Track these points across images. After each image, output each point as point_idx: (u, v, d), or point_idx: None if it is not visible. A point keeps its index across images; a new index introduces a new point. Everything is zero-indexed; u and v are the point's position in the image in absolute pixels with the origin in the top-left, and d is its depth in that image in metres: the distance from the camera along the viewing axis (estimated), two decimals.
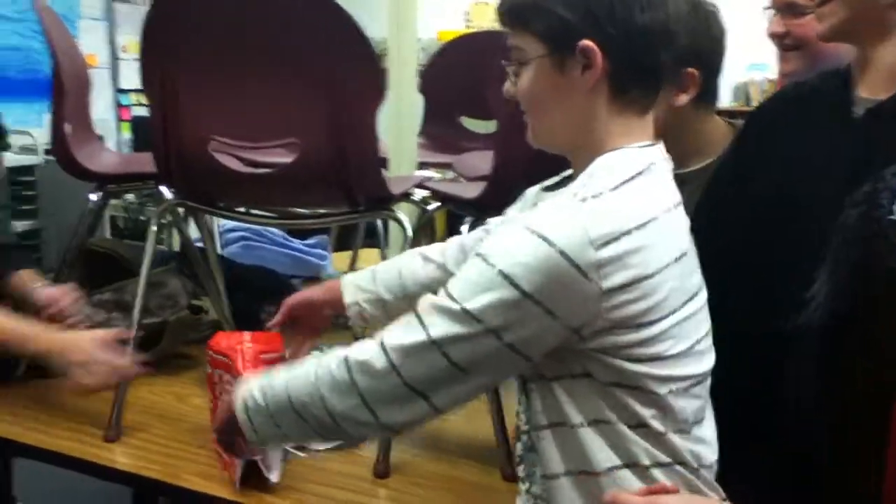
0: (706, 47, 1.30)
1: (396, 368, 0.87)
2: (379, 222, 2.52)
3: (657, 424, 0.93)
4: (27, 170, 3.75)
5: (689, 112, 1.32)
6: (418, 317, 0.88)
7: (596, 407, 0.92)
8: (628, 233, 0.87)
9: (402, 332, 0.89)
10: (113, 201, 3.39)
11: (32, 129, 3.86)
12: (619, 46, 0.93)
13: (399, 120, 2.04)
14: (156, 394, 1.78)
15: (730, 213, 1.13)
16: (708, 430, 0.99)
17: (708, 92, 1.32)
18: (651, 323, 0.89)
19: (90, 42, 4.31)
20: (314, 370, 0.93)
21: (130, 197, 3.72)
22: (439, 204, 1.75)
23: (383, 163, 1.82)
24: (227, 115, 1.48)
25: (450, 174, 2.54)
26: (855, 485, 0.85)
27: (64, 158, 1.78)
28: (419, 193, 1.77)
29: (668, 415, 0.93)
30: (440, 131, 2.48)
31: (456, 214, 1.94)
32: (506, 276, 0.84)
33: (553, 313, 0.85)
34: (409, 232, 1.54)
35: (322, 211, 1.71)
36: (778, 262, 1.03)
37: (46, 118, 3.93)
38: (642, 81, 0.97)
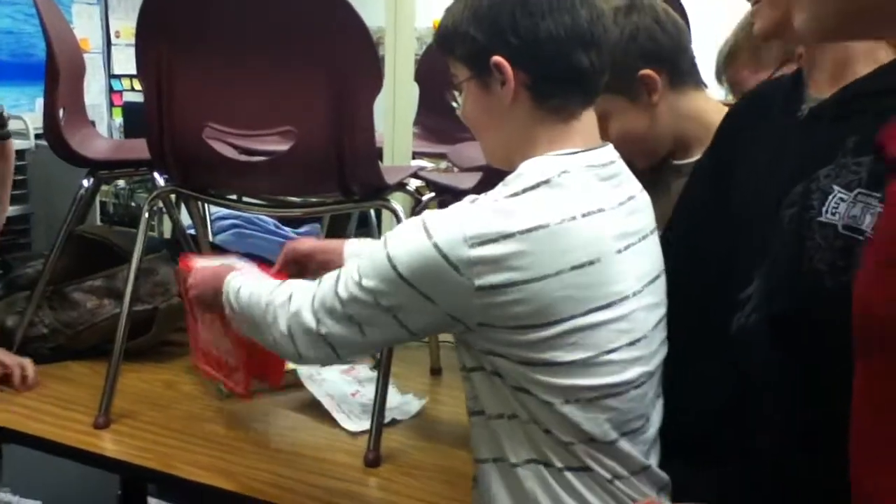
0: (660, 41, 1.28)
1: (319, 322, 1.02)
2: (371, 212, 2.51)
3: (559, 434, 0.96)
4: (18, 154, 3.72)
5: (674, 101, 1.31)
6: (337, 280, 1.01)
7: (507, 404, 0.98)
8: (509, 236, 0.90)
9: (326, 292, 1.02)
10: (104, 187, 3.38)
11: (24, 113, 3.83)
12: (527, 57, 0.97)
13: (395, 109, 2.03)
14: (145, 381, 1.78)
15: (701, 215, 1.12)
16: (635, 441, 1.00)
17: (681, 74, 1.30)
18: (536, 327, 0.93)
19: (84, 26, 4.28)
20: (267, 298, 1.09)
21: (121, 183, 3.70)
22: (434, 194, 1.74)
23: (378, 152, 1.81)
24: (223, 103, 1.47)
25: (444, 164, 2.53)
26: (810, 482, 0.84)
27: (56, 143, 1.77)
28: (413, 183, 1.76)
29: (570, 426, 0.96)
30: (435, 121, 2.47)
31: (449, 204, 1.94)
32: (390, 260, 0.95)
33: (430, 298, 0.94)
34: (404, 221, 1.54)
35: (315, 199, 1.70)
36: (729, 264, 1.03)
37: (38, 103, 3.90)
38: (561, 88, 0.99)
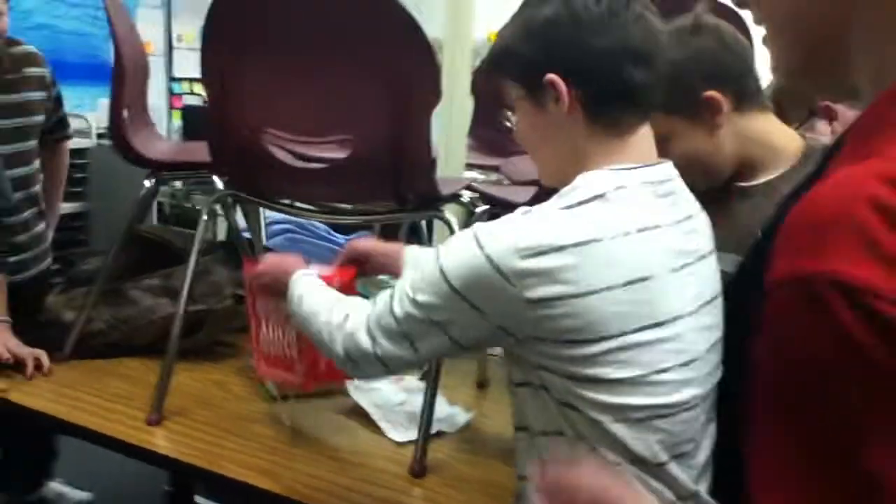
0: (724, 63, 1.26)
1: (374, 343, 1.03)
2: (423, 222, 2.52)
3: (606, 453, 0.94)
4: (80, 152, 3.83)
5: (739, 123, 1.28)
6: (391, 298, 1.02)
7: (553, 421, 0.97)
8: (560, 249, 0.90)
9: (381, 312, 1.03)
10: (161, 188, 3.45)
11: (87, 112, 3.93)
12: (581, 73, 0.98)
13: (450, 120, 2.04)
14: (197, 380, 1.80)
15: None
16: (685, 466, 0.99)
17: (746, 96, 1.28)
18: (585, 342, 0.91)
19: (147, 30, 4.39)
20: (326, 316, 1.10)
21: (178, 184, 3.77)
22: (487, 206, 1.74)
23: (434, 163, 1.81)
24: (283, 109, 1.49)
25: (496, 177, 2.53)
26: None
27: (120, 143, 1.81)
28: (467, 195, 1.77)
29: (618, 446, 0.94)
30: (489, 134, 2.47)
31: (499, 217, 1.94)
32: (442, 272, 0.95)
33: (480, 310, 0.94)
34: (457, 232, 1.54)
35: (368, 207, 1.72)
36: None
37: (101, 103, 4.00)
38: (615, 103, 0.99)
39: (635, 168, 0.99)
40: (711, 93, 1.24)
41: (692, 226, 1.03)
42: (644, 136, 1.02)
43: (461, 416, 1.66)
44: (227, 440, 1.55)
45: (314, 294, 1.18)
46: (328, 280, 1.31)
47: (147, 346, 1.86)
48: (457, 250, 0.95)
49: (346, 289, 1.32)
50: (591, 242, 0.91)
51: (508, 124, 1.08)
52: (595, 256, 0.91)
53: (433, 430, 1.52)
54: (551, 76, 0.98)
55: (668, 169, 1.04)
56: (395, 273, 1.36)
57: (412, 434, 1.53)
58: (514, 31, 1.02)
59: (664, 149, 1.08)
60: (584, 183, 0.96)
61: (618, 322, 0.91)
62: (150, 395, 1.61)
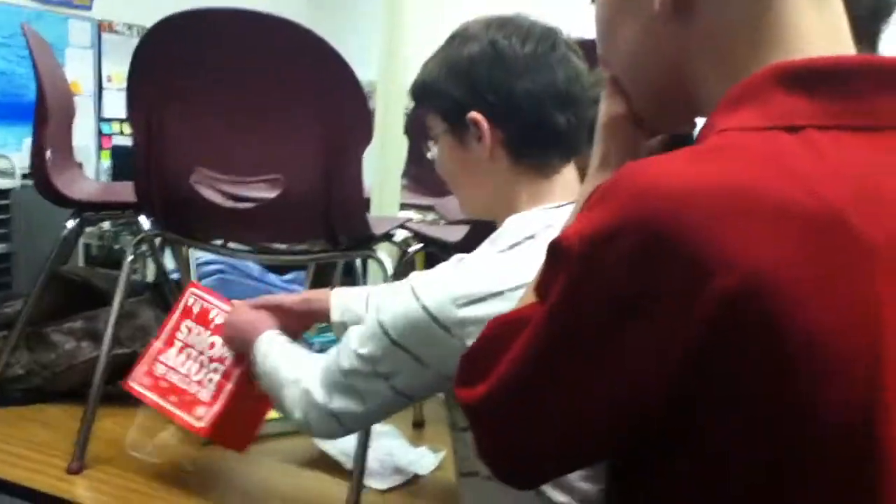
0: None
1: (327, 398, 1.00)
2: (357, 261, 2.51)
3: (552, 495, 0.94)
4: (3, 193, 3.71)
5: None
6: (338, 353, 1.00)
7: None
8: (497, 294, 0.90)
9: (329, 366, 1.01)
10: (88, 228, 3.36)
11: (11, 153, 3.82)
12: (504, 114, 0.97)
13: (384, 161, 2.05)
14: (122, 426, 1.74)
15: None
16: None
17: None
18: None
19: (77, 70, 4.30)
20: (285, 373, 1.08)
21: (106, 225, 3.68)
22: (421, 245, 1.75)
23: (366, 203, 1.82)
24: (212, 148, 1.48)
25: (431, 216, 2.54)
26: None
27: (43, 184, 1.77)
28: (401, 234, 1.77)
29: (574, 491, 0.94)
30: (424, 173, 2.49)
31: (435, 256, 1.95)
32: (381, 325, 0.94)
33: (421, 360, 0.93)
34: (390, 272, 1.54)
35: (301, 247, 1.70)
36: None
37: (26, 142, 3.90)
38: (539, 145, 0.99)
39: (563, 205, 1.00)
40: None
41: None
42: (570, 174, 1.03)
43: (429, 458, 1.64)
44: (154, 488, 1.50)
45: (277, 355, 1.14)
46: None
47: (69, 391, 1.80)
48: (394, 303, 0.94)
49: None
50: (526, 286, 0.91)
51: (430, 155, 1.08)
52: None
53: (408, 475, 1.54)
54: (474, 115, 0.98)
55: None
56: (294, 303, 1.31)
57: (390, 481, 1.53)
58: (438, 65, 1.02)
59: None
60: (514, 226, 0.97)
61: None
62: (72, 442, 1.55)
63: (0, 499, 1.55)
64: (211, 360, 1.35)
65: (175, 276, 2.10)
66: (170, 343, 1.41)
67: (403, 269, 1.76)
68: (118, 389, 1.78)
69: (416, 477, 1.59)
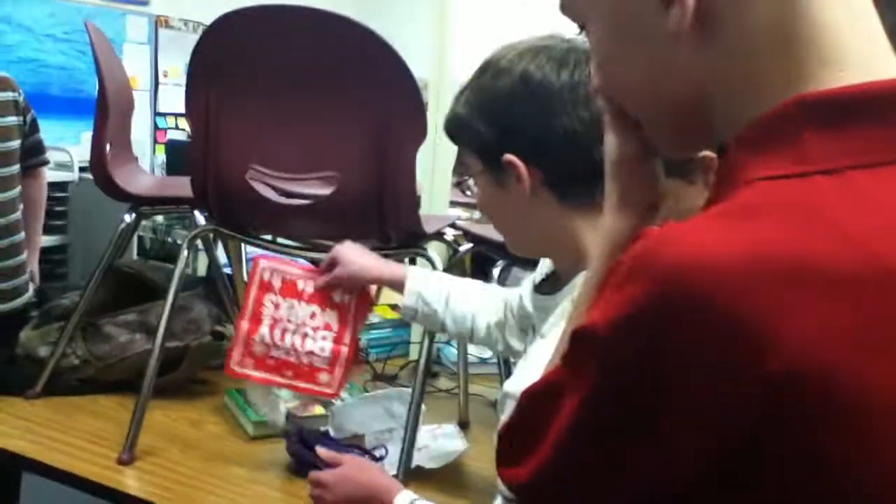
0: None
1: None
2: (406, 259, 2.51)
3: None
4: (61, 186, 3.79)
5: None
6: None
7: None
8: None
9: None
10: (142, 222, 3.42)
11: (69, 146, 3.91)
12: (541, 155, 0.91)
13: (435, 158, 2.04)
14: (172, 419, 1.76)
15: None
16: None
17: None
18: None
19: (134, 65, 4.38)
20: None
21: (159, 219, 3.74)
22: (471, 245, 1.74)
23: (418, 201, 1.81)
24: (268, 145, 1.48)
25: (478, 214, 2.53)
26: None
27: (102, 178, 1.79)
28: (451, 233, 1.76)
29: None
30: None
31: (483, 255, 1.93)
32: None
33: None
34: (440, 271, 1.53)
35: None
36: None
37: (84, 136, 3.98)
38: (582, 182, 0.90)
39: None
40: (707, 153, 1.24)
41: None
42: None
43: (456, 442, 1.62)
44: (201, 481, 1.51)
45: None
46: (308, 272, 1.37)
47: (121, 382, 1.82)
48: None
49: (317, 291, 1.37)
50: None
51: (469, 194, 1.02)
52: None
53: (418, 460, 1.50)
54: (509, 157, 0.91)
55: None
56: (369, 281, 1.35)
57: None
58: (468, 102, 0.95)
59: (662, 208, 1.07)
60: None
61: None
62: (123, 433, 1.57)
63: (52, 487, 1.58)
64: (316, 329, 1.39)
65: (227, 270, 2.12)
66: (257, 321, 1.41)
67: (453, 268, 1.75)
68: (169, 382, 1.81)
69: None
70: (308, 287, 1.40)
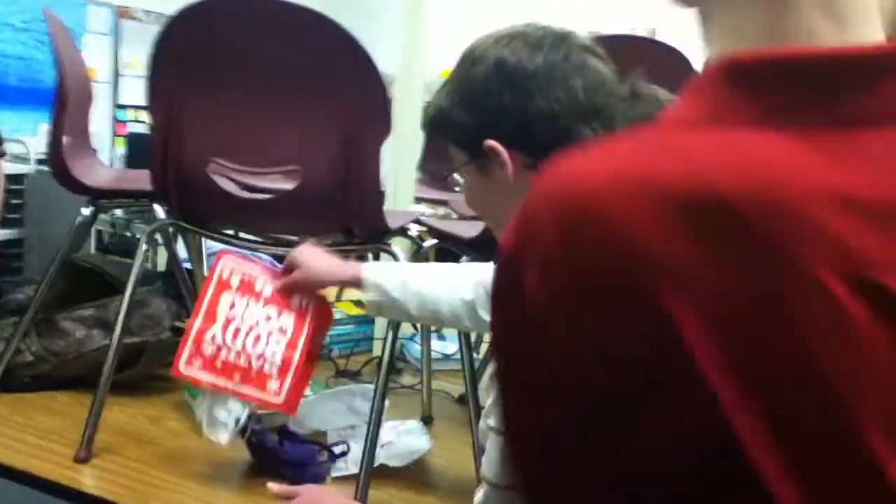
0: None
1: None
2: (370, 255, 2.50)
3: None
4: (17, 178, 3.71)
5: None
6: None
7: None
8: None
9: None
10: (100, 216, 3.36)
11: (26, 137, 3.83)
12: (522, 138, 0.91)
13: (400, 154, 2.03)
14: (130, 415, 1.74)
15: None
16: None
17: None
18: None
19: (94, 56, 4.30)
20: None
21: (118, 212, 3.68)
22: (435, 241, 1.73)
23: (382, 196, 1.80)
24: (230, 139, 1.46)
25: (443, 210, 2.53)
26: None
27: (59, 170, 1.76)
28: (415, 228, 1.76)
29: None
30: (438, 168, 2.47)
31: (447, 251, 1.93)
32: None
33: None
34: None
35: (314, 239, 1.69)
36: None
37: (41, 128, 3.90)
38: None
39: None
40: None
41: None
42: None
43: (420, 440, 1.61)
44: (161, 479, 1.49)
45: None
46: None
47: (78, 379, 1.79)
48: None
49: (276, 294, 1.31)
50: None
51: (458, 189, 1.02)
52: None
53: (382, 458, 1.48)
54: (490, 143, 0.92)
55: None
56: (329, 283, 1.33)
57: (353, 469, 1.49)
58: (448, 94, 0.96)
59: None
60: None
61: None
62: (80, 430, 1.54)
63: (6, 486, 1.54)
64: (270, 332, 1.32)
65: (187, 265, 2.09)
66: (211, 319, 1.35)
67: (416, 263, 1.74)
68: (127, 378, 1.78)
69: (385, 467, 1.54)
70: (266, 288, 1.34)
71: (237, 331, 1.33)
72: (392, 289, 1.25)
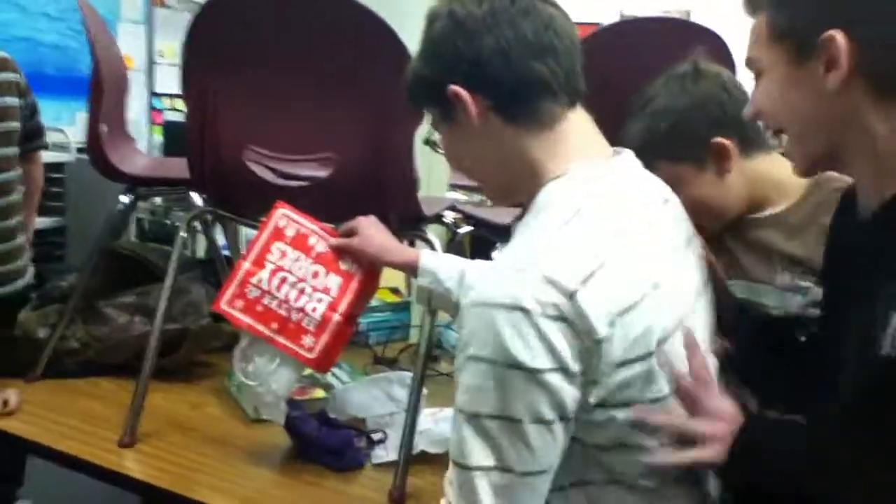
0: (728, 109, 1.22)
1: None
2: (405, 242, 2.50)
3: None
4: (57, 167, 3.78)
5: (744, 167, 1.25)
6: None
7: (579, 470, 0.95)
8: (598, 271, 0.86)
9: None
10: (140, 204, 3.41)
11: (65, 126, 3.89)
12: (479, 78, 0.95)
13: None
14: (172, 401, 1.76)
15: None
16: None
17: (750, 141, 1.26)
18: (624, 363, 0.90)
19: (128, 45, 4.34)
20: None
21: (158, 200, 3.73)
22: (470, 227, 1.73)
23: (416, 183, 1.80)
24: (265, 126, 1.47)
25: (477, 197, 2.52)
26: None
27: (97, 158, 1.78)
28: (449, 215, 1.75)
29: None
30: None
31: (482, 238, 1.93)
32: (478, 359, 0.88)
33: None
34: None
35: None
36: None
37: (80, 117, 3.96)
38: (524, 98, 0.96)
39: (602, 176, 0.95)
40: (719, 139, 1.22)
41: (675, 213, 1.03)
42: (579, 121, 0.98)
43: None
44: (202, 464, 1.51)
45: None
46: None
47: (121, 365, 1.82)
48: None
49: (327, 252, 1.35)
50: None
51: (440, 151, 1.06)
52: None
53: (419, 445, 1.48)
54: (452, 88, 0.96)
55: (629, 157, 1.03)
56: (385, 263, 1.35)
57: (392, 456, 1.50)
58: (415, 58, 1.01)
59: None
60: (557, 198, 0.92)
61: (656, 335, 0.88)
62: (123, 416, 1.57)
63: (52, 469, 1.58)
64: (315, 289, 1.34)
65: (226, 252, 2.11)
66: (260, 265, 1.37)
67: (452, 250, 1.74)
68: (169, 364, 1.81)
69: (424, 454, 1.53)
70: (319, 245, 1.36)
71: (283, 281, 1.36)
72: (446, 279, 1.27)
